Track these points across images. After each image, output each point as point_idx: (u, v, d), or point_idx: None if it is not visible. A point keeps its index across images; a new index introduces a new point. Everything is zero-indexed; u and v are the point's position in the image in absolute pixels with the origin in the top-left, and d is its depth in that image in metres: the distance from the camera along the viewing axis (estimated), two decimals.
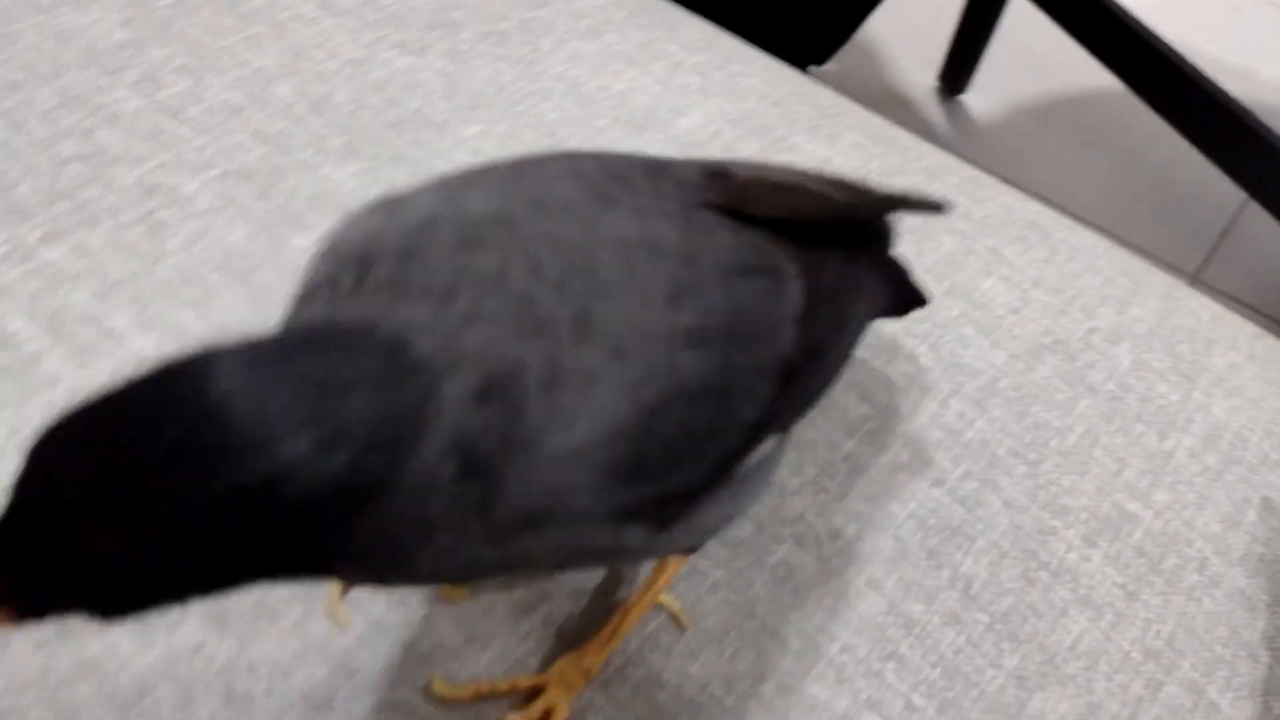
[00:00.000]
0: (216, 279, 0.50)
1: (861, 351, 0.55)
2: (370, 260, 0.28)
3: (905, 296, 0.47)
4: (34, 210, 0.51)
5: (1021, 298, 0.61)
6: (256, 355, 0.24)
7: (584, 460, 0.28)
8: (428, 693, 0.39)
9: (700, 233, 0.33)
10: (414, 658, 0.40)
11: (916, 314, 0.58)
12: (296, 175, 0.55)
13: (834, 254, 0.38)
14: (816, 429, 0.51)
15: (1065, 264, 0.64)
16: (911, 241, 0.62)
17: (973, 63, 1.55)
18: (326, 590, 0.41)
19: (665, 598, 0.43)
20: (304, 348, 0.24)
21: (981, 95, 1.59)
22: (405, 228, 0.29)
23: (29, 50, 0.58)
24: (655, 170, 0.35)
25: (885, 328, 0.57)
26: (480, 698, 0.39)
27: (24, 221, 0.50)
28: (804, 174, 0.39)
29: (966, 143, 1.52)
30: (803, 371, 0.35)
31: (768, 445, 0.36)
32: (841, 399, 0.53)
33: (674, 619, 0.43)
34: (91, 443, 0.23)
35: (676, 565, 0.41)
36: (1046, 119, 1.58)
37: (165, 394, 0.23)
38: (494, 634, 0.41)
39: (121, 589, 0.24)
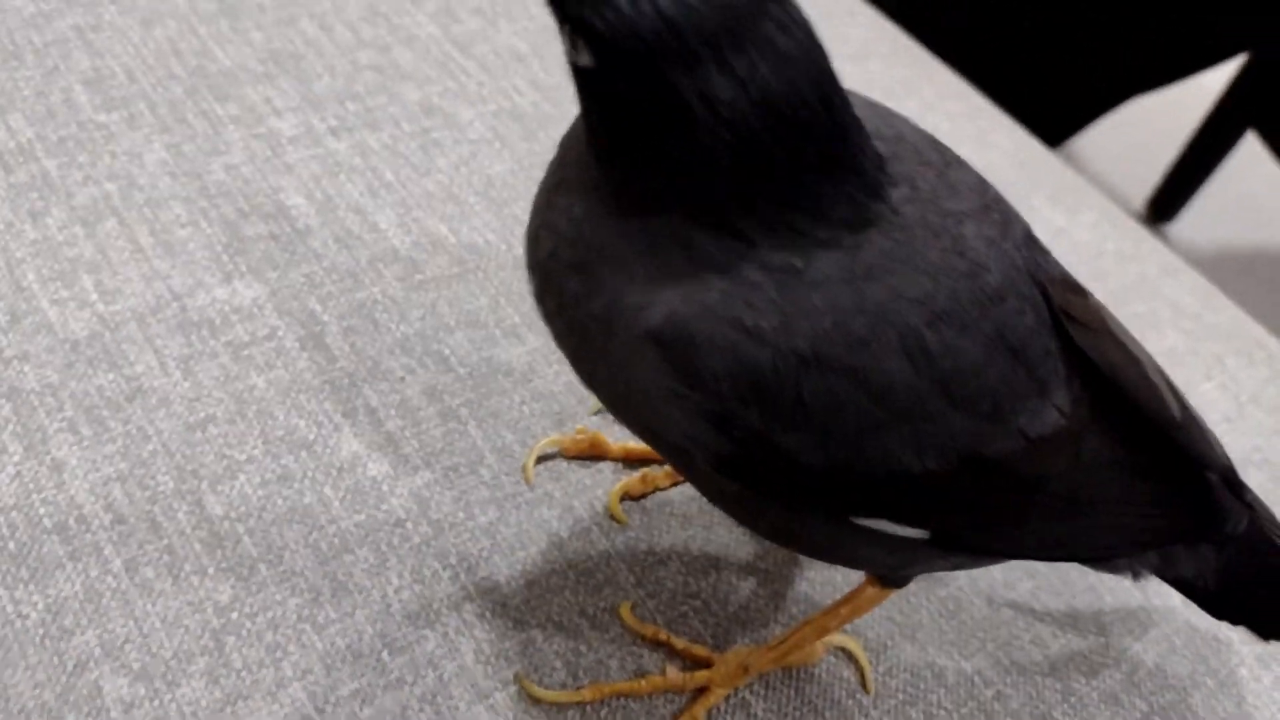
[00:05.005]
0: (474, 202, 0.52)
1: None
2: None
3: (1188, 527, 0.37)
4: (327, 104, 0.54)
5: (1237, 410, 0.59)
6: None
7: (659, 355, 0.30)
8: (614, 615, 0.40)
9: (1011, 295, 0.31)
10: (588, 587, 0.41)
11: None
12: (562, 127, 0.57)
13: (1119, 435, 0.34)
14: None
15: None
16: (1136, 328, 0.60)
17: (1188, 194, 1.47)
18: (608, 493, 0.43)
19: (852, 643, 0.42)
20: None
21: (1189, 229, 1.52)
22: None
23: None
24: (1030, 235, 0.34)
25: None
26: (656, 641, 0.40)
27: (317, 112, 0.53)
28: (1155, 365, 0.36)
29: None
30: (994, 484, 0.32)
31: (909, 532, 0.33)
32: None
33: (860, 676, 0.42)
34: None
35: (873, 599, 0.39)
36: (1254, 268, 1.50)
37: None
38: (663, 585, 0.42)
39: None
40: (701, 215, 0.29)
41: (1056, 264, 0.35)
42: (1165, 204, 1.49)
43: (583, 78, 0.28)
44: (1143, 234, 0.70)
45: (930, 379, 0.29)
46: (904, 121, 0.33)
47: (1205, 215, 1.54)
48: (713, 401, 0.29)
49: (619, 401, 0.32)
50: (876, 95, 0.68)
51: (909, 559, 0.35)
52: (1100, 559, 0.37)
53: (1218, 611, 0.39)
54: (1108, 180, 1.56)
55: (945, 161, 0.32)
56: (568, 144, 0.33)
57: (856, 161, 0.29)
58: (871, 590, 0.39)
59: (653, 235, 0.29)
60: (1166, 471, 0.35)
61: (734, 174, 0.28)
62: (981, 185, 0.33)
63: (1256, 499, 0.38)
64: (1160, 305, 0.63)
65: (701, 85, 0.26)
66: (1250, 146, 1.49)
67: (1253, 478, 0.55)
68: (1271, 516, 0.39)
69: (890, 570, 0.36)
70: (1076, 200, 0.69)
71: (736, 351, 0.29)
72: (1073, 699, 0.44)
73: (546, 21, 0.63)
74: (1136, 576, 0.38)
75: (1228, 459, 0.37)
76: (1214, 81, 1.40)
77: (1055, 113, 1.25)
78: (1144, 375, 0.35)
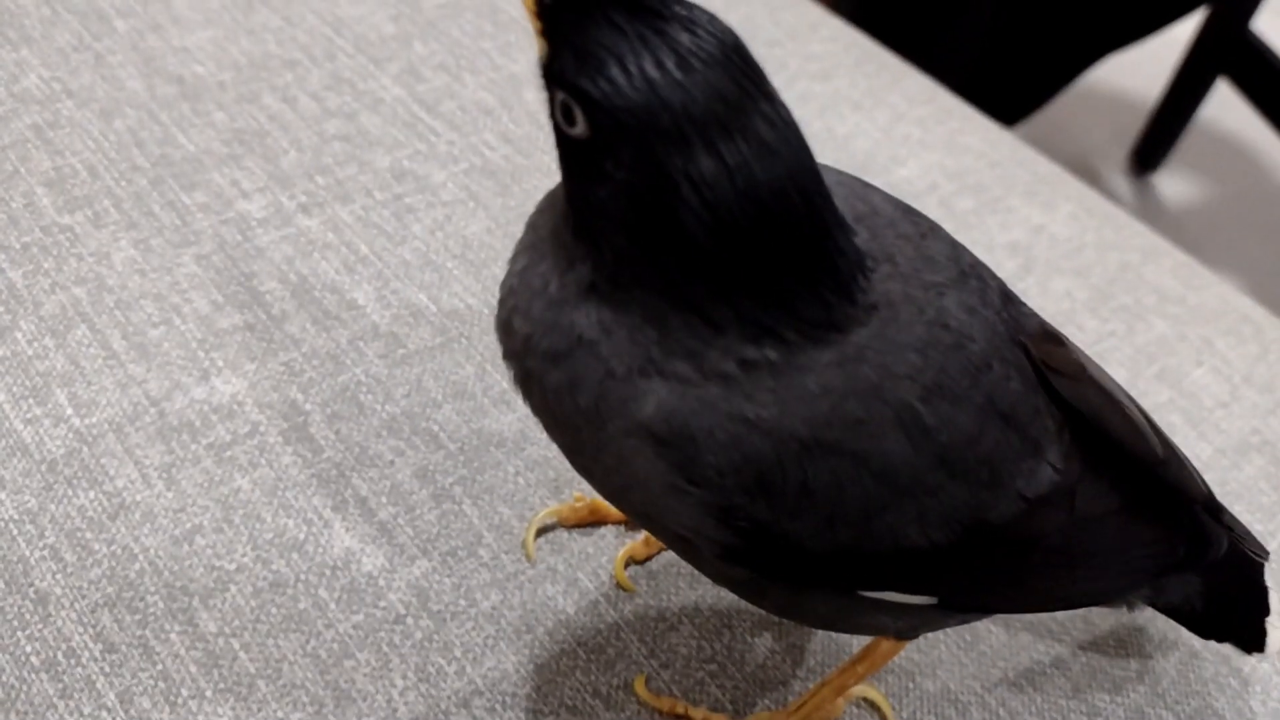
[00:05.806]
0: (453, 266, 0.49)
1: None
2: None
3: (1180, 558, 0.35)
4: (296, 180, 0.51)
5: (1231, 392, 0.55)
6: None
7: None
8: (629, 691, 0.37)
9: (996, 361, 0.30)
10: (599, 664, 0.38)
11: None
12: (536, 178, 0.54)
13: (1109, 481, 0.33)
14: None
15: (1278, 363, 0.58)
16: (1123, 320, 0.57)
17: (1170, 142, 1.45)
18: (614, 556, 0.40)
19: (874, 692, 0.39)
20: None
21: (1174, 177, 1.49)
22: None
23: (307, 33, 0.58)
24: (1006, 293, 0.33)
25: None
26: (673, 715, 0.37)
27: (285, 190, 0.50)
28: (1134, 403, 0.35)
29: (1151, 223, 1.42)
30: (998, 548, 0.30)
31: (918, 599, 0.31)
32: None
33: (881, 715, 0.39)
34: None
35: (888, 652, 0.36)
36: (1239, 209, 1.47)
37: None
38: (676, 652, 0.39)
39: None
40: (676, 296, 0.26)
41: (1033, 315, 0.34)
42: (1148, 155, 1.47)
43: (571, 149, 0.26)
44: (1123, 218, 0.66)
45: (929, 454, 0.28)
46: (877, 193, 0.31)
47: (1188, 162, 1.51)
48: (716, 496, 0.27)
49: (616, 494, 0.30)
50: (845, 110, 0.65)
51: (918, 622, 0.34)
52: (1100, 602, 0.36)
53: (1205, 631, 0.38)
54: (1090, 134, 1.53)
55: (920, 232, 0.30)
56: (537, 221, 0.31)
57: (833, 262, 0.27)
58: (886, 645, 0.36)
59: (629, 316, 0.27)
60: (1157, 509, 0.34)
61: (711, 260, 0.26)
62: (955, 252, 0.31)
63: (1233, 519, 0.37)
64: (1145, 293, 0.60)
65: (689, 166, 0.24)
66: (1225, 90, 1.46)
67: (1253, 461, 0.52)
68: (1246, 533, 0.38)
69: (900, 634, 0.34)
70: (1053, 192, 0.65)
71: (740, 446, 0.27)
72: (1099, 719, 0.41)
73: (512, 72, 0.60)
74: (1131, 608, 0.37)
75: (1207, 487, 0.36)
76: (1183, 31, 1.36)
77: (1032, 77, 1.22)
78: (1126, 417, 0.33)
